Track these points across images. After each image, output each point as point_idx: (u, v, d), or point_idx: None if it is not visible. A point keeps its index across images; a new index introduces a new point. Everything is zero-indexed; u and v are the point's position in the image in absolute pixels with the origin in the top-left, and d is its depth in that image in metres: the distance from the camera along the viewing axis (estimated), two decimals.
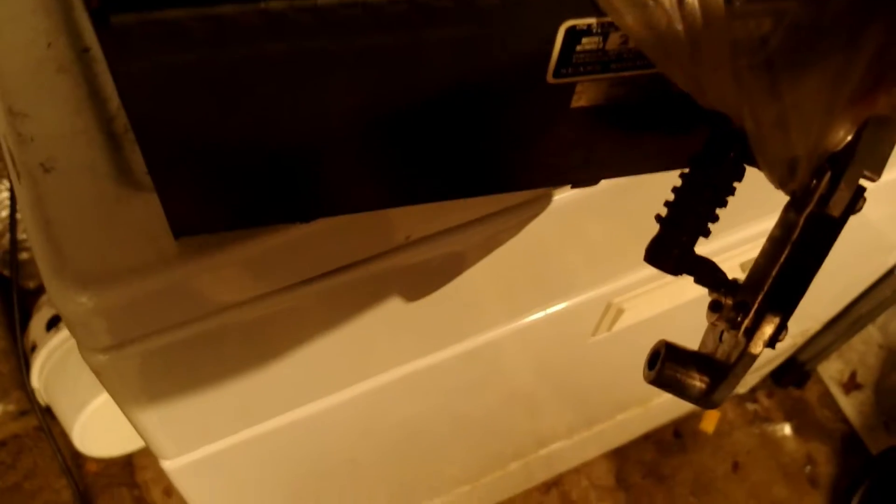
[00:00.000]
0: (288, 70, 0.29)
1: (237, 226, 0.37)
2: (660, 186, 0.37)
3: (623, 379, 1.01)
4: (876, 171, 0.33)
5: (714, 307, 0.37)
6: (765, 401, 1.55)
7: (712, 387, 0.36)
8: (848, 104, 0.31)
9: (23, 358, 1.27)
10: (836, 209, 0.33)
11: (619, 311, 0.70)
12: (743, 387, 1.51)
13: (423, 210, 0.42)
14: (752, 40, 0.30)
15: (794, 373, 1.51)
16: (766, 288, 0.35)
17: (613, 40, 0.31)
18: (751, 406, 1.54)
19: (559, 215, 0.50)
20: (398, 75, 0.30)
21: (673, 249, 0.39)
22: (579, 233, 0.57)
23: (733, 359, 0.36)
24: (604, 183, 0.43)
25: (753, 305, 0.35)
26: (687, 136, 0.38)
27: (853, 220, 0.92)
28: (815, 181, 0.33)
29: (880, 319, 1.44)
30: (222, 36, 0.26)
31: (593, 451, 1.42)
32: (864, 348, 1.52)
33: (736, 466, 1.48)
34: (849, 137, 0.33)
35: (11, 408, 1.39)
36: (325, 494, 0.89)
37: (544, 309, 0.66)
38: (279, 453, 0.68)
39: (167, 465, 0.56)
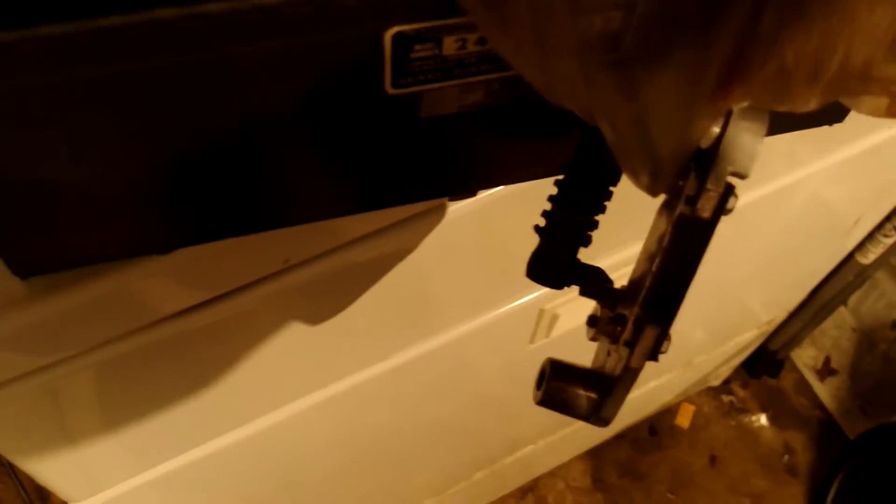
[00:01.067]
0: (93, 97, 0.26)
1: (85, 262, 0.35)
2: None
3: None
4: (743, 168, 0.31)
5: (591, 322, 0.35)
6: (740, 392, 1.53)
7: (599, 403, 0.34)
8: (707, 99, 0.29)
9: None
10: (704, 210, 0.31)
11: (554, 317, 0.68)
12: (717, 379, 1.50)
13: (294, 231, 0.39)
14: (600, 36, 0.28)
15: (767, 362, 1.50)
16: (641, 298, 0.33)
17: (449, 45, 0.29)
18: (726, 398, 1.52)
19: (462, 225, 0.48)
20: (213, 98, 0.28)
21: (554, 262, 0.37)
22: (492, 241, 0.55)
23: (617, 373, 0.34)
24: (502, 189, 0.41)
25: (631, 317, 0.33)
26: (559, 141, 0.36)
27: (809, 204, 0.91)
28: (681, 182, 0.31)
29: (852, 303, 1.43)
30: (54, 57, 0.24)
31: (567, 452, 1.41)
32: (837, 333, 1.51)
33: (714, 460, 1.46)
34: (714, 133, 0.31)
35: None
36: None
37: (474, 319, 0.64)
38: (220, 478, 0.66)
39: None
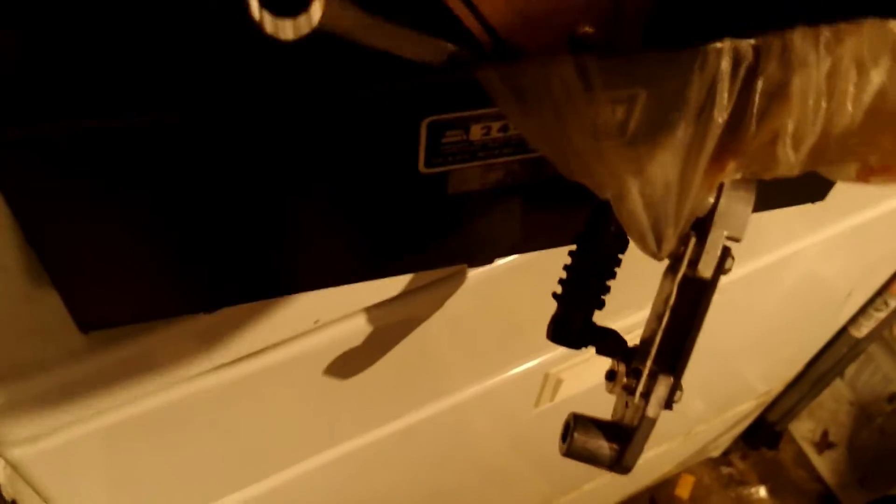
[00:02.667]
0: (147, 178, 0.30)
1: (142, 319, 0.39)
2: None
3: None
4: (737, 232, 0.35)
5: (609, 376, 0.39)
6: (739, 464, 1.54)
7: (621, 452, 0.37)
8: (703, 172, 0.33)
9: None
10: (705, 271, 0.35)
11: (559, 382, 0.71)
12: (717, 449, 1.51)
13: (325, 292, 0.43)
14: (610, 122, 0.32)
15: (765, 433, 1.51)
16: (652, 353, 0.36)
17: (475, 131, 0.33)
18: (725, 469, 1.53)
19: (477, 291, 0.52)
20: (267, 171, 0.32)
21: (572, 325, 0.41)
22: (503, 305, 0.58)
23: (635, 423, 0.37)
24: (514, 258, 0.45)
25: (644, 371, 0.37)
26: (571, 213, 0.40)
27: (801, 278, 0.94)
28: (682, 248, 0.35)
29: (848, 375, 1.45)
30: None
31: None
32: (834, 406, 1.53)
33: None
34: (710, 203, 0.35)
35: None
36: None
37: (480, 383, 0.67)
38: None
39: None
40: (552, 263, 0.47)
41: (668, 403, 0.36)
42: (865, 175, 0.35)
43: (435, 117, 0.32)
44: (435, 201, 0.36)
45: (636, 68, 0.30)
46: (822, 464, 1.53)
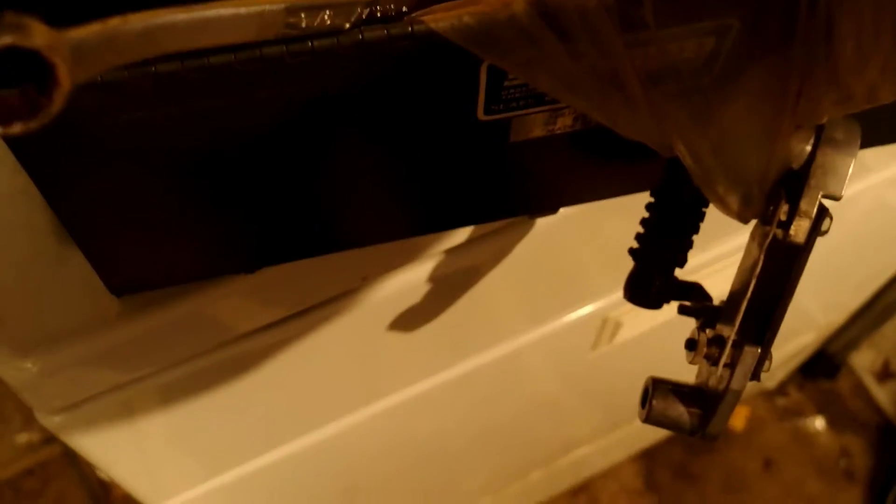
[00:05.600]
0: (190, 129, 0.27)
1: (178, 281, 0.36)
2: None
3: (637, 386, 0.99)
4: (836, 188, 0.30)
5: (689, 345, 0.35)
6: (795, 395, 1.51)
7: (705, 421, 0.34)
8: (792, 115, 0.28)
9: None
10: (798, 235, 0.31)
11: (618, 325, 0.68)
12: (772, 381, 1.48)
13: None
14: (673, 65, 0.27)
15: (824, 364, 1.47)
16: (737, 323, 0.32)
17: None
18: (781, 401, 1.50)
19: (537, 238, 0.48)
20: (317, 121, 0.28)
21: (651, 286, 0.37)
22: (564, 252, 0.55)
23: (721, 391, 0.34)
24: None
25: (728, 342, 0.33)
26: (646, 159, 0.36)
27: (872, 211, 0.89)
28: (771, 207, 0.31)
29: None
30: (110, 103, 0.25)
31: (620, 454, 1.40)
32: None
33: (768, 463, 1.44)
34: (805, 153, 0.30)
35: (36, 437, 1.40)
36: None
37: (537, 328, 0.64)
38: (287, 482, 0.67)
39: None
40: (619, 206, 0.43)
41: (756, 374, 0.33)
42: None
43: None
44: (495, 150, 0.32)
45: None
46: (882, 394, 1.49)
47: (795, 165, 0.31)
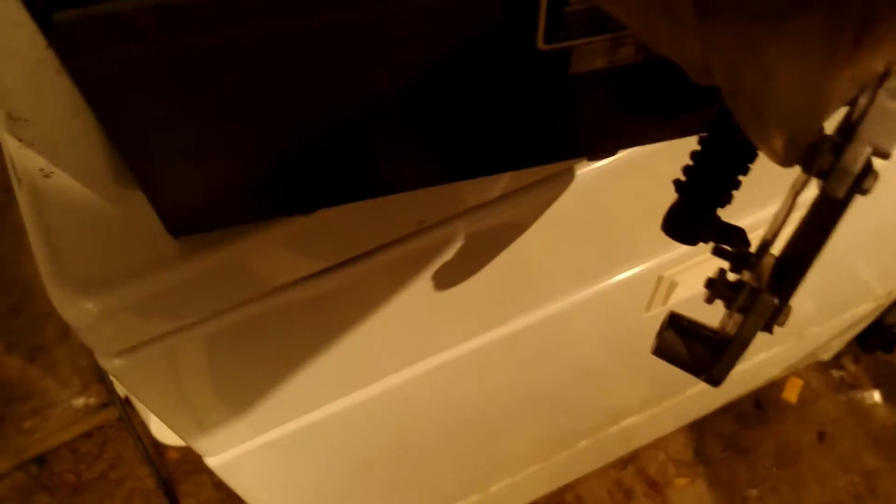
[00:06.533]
0: (251, 55, 0.27)
1: (235, 221, 0.36)
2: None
3: None
4: (887, 143, 0.28)
5: (709, 285, 0.34)
6: (851, 367, 1.47)
7: (710, 363, 0.34)
8: (844, 63, 0.26)
9: None
10: (837, 190, 0.29)
11: (673, 284, 0.67)
12: (827, 353, 1.44)
13: (429, 192, 0.40)
14: None
15: (881, 336, 1.43)
16: (758, 269, 0.32)
17: None
18: (836, 373, 1.47)
19: (591, 189, 0.48)
20: (374, 54, 0.28)
21: (690, 218, 0.36)
22: (619, 206, 0.54)
23: (731, 336, 0.33)
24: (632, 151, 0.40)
25: (746, 286, 0.32)
26: (709, 97, 0.35)
27: None
28: (814, 155, 0.29)
29: None
30: (171, 25, 0.25)
31: (669, 424, 1.38)
32: None
33: (822, 436, 1.41)
34: (861, 105, 0.28)
35: (93, 400, 1.44)
36: (390, 479, 0.88)
37: (590, 286, 0.63)
38: (334, 441, 0.68)
39: (210, 461, 0.56)
40: (674, 158, 0.42)
41: (769, 326, 0.32)
42: None
43: None
44: (555, 83, 0.32)
45: None
46: None
47: (848, 115, 0.29)
